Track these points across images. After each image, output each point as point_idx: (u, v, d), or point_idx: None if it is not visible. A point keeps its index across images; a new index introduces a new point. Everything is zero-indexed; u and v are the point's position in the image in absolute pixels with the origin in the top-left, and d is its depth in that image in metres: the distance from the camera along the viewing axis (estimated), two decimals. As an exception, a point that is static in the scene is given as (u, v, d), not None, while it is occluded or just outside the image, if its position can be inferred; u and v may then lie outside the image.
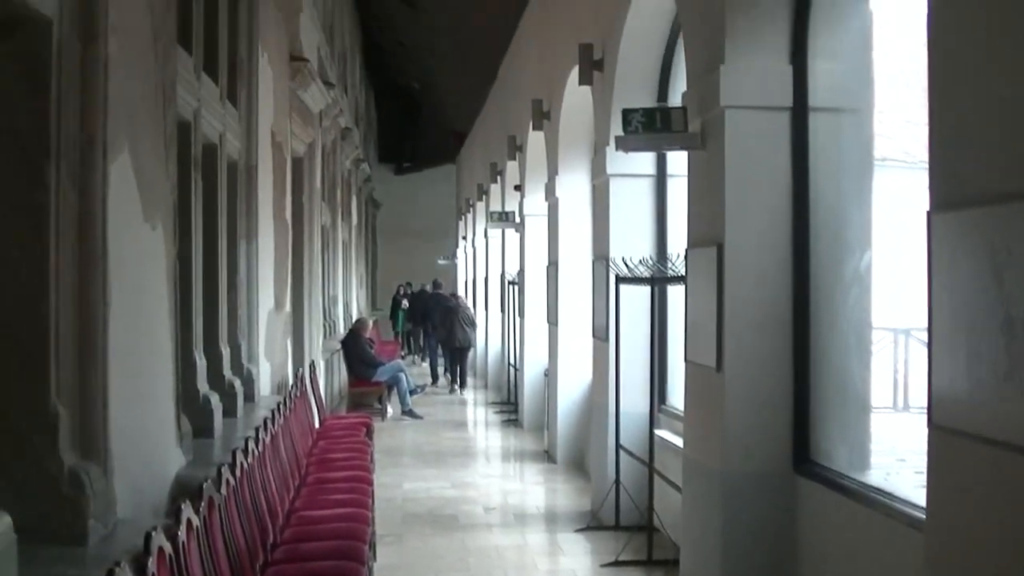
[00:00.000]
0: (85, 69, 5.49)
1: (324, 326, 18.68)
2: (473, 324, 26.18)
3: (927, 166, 5.10)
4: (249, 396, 10.33)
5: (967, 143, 4.76)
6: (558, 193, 16.03)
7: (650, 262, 10.62)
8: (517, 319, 20.73)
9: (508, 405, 22.48)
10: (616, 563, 10.34)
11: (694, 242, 8.57)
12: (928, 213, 4.98)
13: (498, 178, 24.40)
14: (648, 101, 11.35)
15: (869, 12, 7.56)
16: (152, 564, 4.49)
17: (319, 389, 15.31)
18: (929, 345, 5.02)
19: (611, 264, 11.34)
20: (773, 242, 7.79)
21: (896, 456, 10.95)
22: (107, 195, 5.63)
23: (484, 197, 27.26)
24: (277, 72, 12.31)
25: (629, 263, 10.71)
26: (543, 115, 16.66)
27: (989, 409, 4.52)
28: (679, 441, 9.71)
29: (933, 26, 5.02)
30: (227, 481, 6.62)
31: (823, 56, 7.77)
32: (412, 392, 21.52)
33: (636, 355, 11.16)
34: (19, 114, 5.13)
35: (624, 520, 11.58)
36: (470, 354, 26.68)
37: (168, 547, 4.83)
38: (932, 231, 4.94)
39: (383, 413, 20.92)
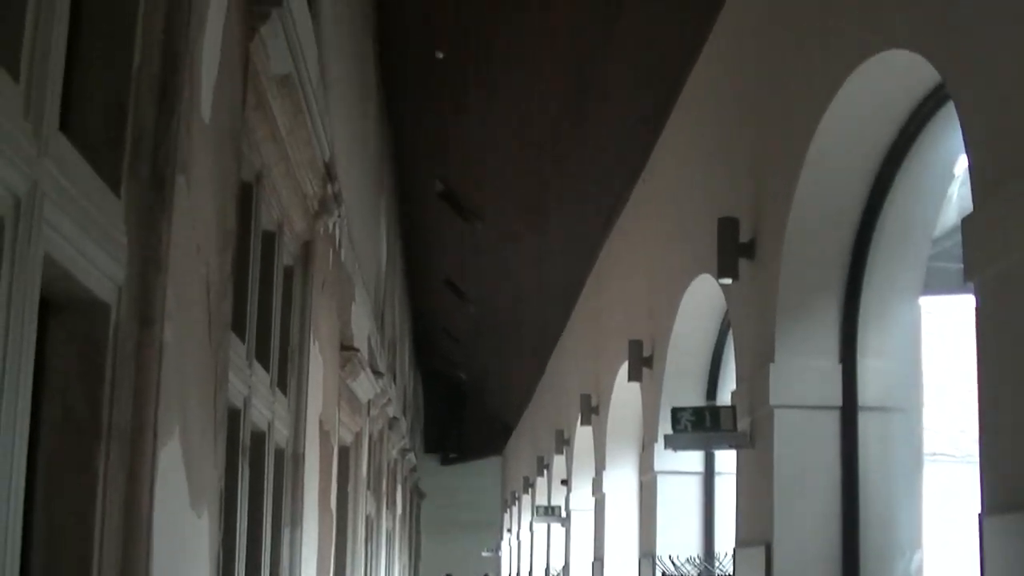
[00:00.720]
0: (140, 354, 5.53)
1: (365, 618, 18.41)
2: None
3: (976, 460, 5.08)
4: None
5: (1017, 446, 4.74)
6: (605, 488, 15.94)
7: (697, 560, 10.50)
8: (561, 615, 20.44)
9: None
10: None
11: (742, 541, 8.48)
12: (980, 516, 4.93)
13: (545, 472, 24.31)
14: (697, 398, 11.38)
15: (918, 310, 7.62)
16: None
17: None
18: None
19: (657, 562, 11.21)
20: (822, 542, 7.70)
21: None
22: (155, 481, 5.62)
23: (530, 490, 27.14)
24: (328, 361, 12.41)
25: (676, 561, 10.59)
26: (591, 410, 16.70)
27: None
28: None
29: (981, 329, 5.05)
30: None
31: (872, 355, 7.80)
32: None
33: (682, 655, 10.94)
34: (72, 396, 5.16)
35: None
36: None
37: None
38: (984, 534, 4.88)
39: None
